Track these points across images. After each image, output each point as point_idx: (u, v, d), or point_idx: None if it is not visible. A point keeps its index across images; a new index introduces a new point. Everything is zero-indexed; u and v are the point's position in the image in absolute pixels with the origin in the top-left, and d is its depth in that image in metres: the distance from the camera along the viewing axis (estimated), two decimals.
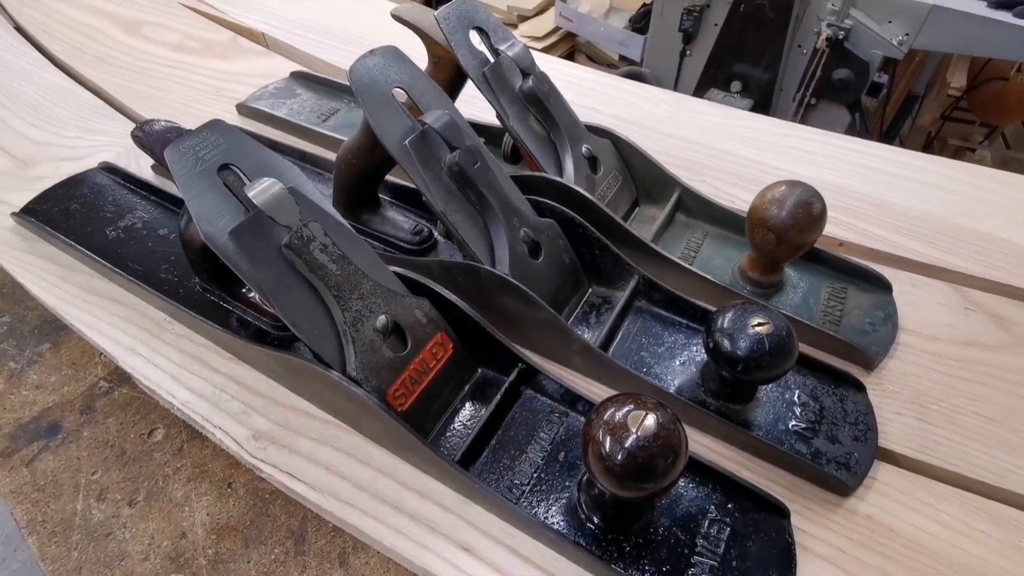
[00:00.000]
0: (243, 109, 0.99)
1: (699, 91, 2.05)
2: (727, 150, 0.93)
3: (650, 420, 0.44)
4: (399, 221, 0.75)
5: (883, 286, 0.71)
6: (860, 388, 0.61)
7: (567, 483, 0.54)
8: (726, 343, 0.54)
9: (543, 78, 0.73)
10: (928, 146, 3.06)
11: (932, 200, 0.84)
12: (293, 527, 0.56)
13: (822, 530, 0.53)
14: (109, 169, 0.85)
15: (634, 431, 0.43)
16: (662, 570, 0.49)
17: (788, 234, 0.63)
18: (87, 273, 0.73)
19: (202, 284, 0.69)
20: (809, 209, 0.62)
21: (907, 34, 1.67)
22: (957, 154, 2.99)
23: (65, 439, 0.63)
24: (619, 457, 0.43)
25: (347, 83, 1.02)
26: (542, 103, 0.73)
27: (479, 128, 0.86)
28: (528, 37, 3.10)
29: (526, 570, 0.51)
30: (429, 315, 0.59)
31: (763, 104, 1.93)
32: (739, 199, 0.83)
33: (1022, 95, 2.60)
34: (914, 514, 0.54)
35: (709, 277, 0.69)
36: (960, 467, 0.57)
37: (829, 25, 1.68)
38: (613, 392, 0.56)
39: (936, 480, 0.57)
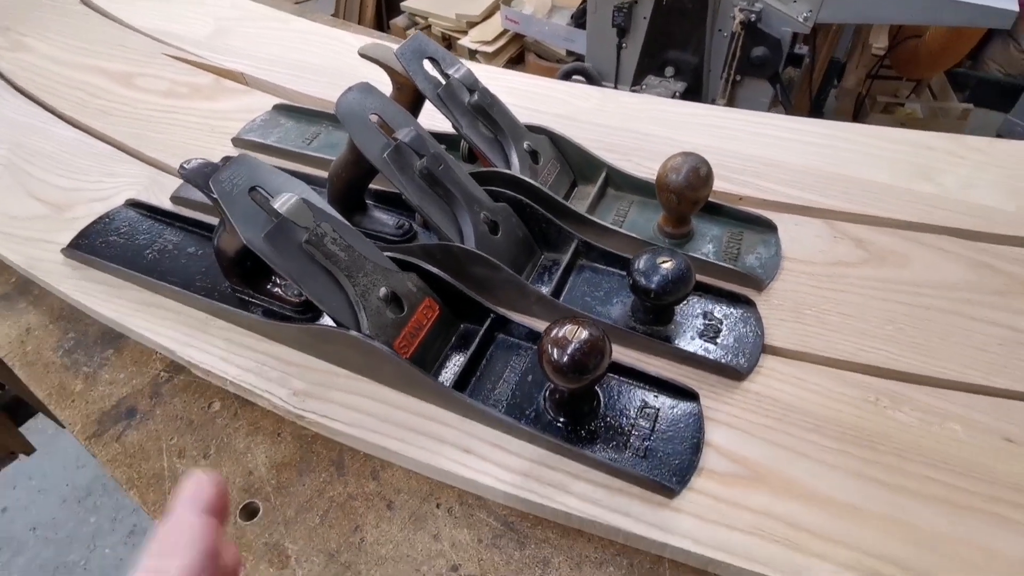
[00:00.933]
0: (238, 142, 1.15)
1: (637, 78, 2.24)
2: (648, 132, 1.12)
3: (583, 332, 0.62)
4: (385, 219, 0.93)
5: (771, 227, 0.90)
6: (751, 304, 0.80)
7: (535, 396, 0.73)
8: (642, 279, 0.73)
9: (485, 92, 0.91)
10: (860, 106, 3.28)
11: (810, 155, 1.04)
12: (333, 457, 0.74)
13: (723, 405, 0.72)
14: (135, 204, 1.01)
15: (572, 341, 0.62)
16: (610, 444, 0.68)
17: (685, 193, 0.81)
18: (135, 289, 0.90)
19: (233, 286, 0.85)
20: (698, 172, 0.81)
21: (810, 11, 1.88)
22: (887, 110, 3.22)
23: (143, 418, 0.79)
24: (564, 360, 0.61)
25: (324, 109, 1.20)
26: (487, 112, 0.91)
27: (440, 137, 1.03)
28: (479, 42, 3.26)
29: (513, 459, 0.69)
30: (418, 285, 0.77)
31: (695, 85, 2.13)
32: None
33: (933, 50, 2.84)
34: (791, 387, 0.73)
35: (635, 235, 0.88)
36: (826, 352, 0.77)
37: (742, 10, 1.88)
38: None
39: (808, 363, 0.76)
